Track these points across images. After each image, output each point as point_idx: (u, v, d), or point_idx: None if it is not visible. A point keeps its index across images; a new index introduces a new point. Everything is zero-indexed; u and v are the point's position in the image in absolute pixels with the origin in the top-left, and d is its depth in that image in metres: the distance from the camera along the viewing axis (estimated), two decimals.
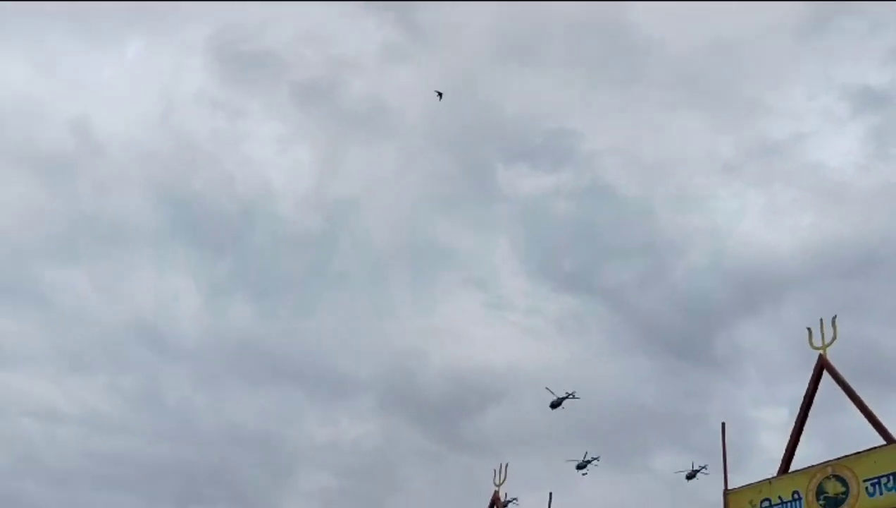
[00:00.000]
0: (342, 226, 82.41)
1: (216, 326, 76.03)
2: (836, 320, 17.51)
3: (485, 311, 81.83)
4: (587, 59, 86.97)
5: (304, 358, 76.57)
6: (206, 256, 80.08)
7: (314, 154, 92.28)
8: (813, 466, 16.72)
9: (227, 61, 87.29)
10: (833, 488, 16.12)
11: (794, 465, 17.37)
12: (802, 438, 17.64)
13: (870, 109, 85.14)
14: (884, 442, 15.88)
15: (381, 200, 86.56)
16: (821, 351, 17.49)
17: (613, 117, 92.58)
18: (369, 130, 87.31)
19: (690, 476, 53.13)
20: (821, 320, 17.67)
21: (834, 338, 17.43)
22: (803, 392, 17.66)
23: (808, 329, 17.82)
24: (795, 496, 16.65)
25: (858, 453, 16.07)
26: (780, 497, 16.89)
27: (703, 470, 52.72)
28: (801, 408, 17.45)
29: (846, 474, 16.03)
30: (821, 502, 16.22)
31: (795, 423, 17.47)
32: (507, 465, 23.36)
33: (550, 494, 21.96)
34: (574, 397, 51.25)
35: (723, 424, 18.79)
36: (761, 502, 17.15)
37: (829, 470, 16.32)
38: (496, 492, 23.08)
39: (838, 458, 16.36)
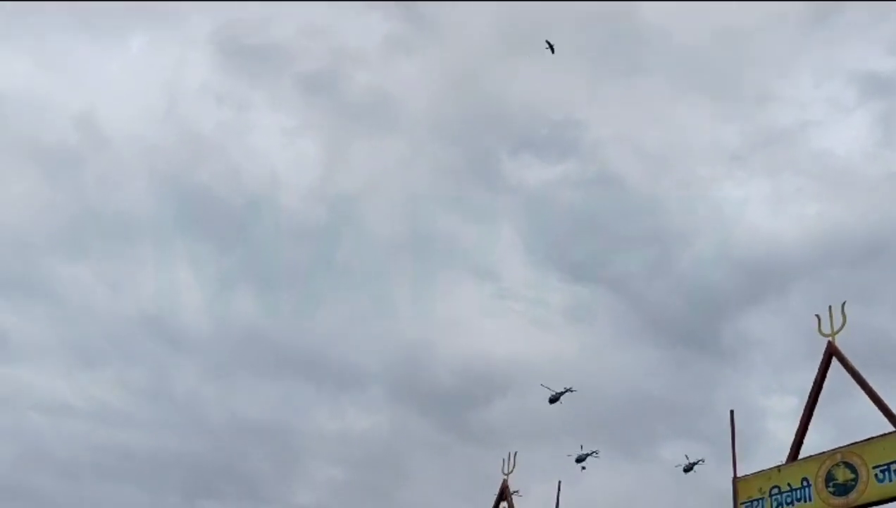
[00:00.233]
0: (348, 218, 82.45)
1: (223, 318, 76.17)
2: (845, 306, 17.46)
3: (491, 302, 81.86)
4: (592, 49, 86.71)
5: (311, 350, 76.71)
6: (212, 248, 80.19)
7: (319, 147, 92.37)
8: (822, 453, 16.70)
9: (232, 54, 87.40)
10: (842, 475, 16.10)
11: (803, 452, 17.33)
12: (811, 425, 17.62)
13: (876, 96, 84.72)
14: (893, 429, 15.83)
15: (387, 191, 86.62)
16: (830, 338, 17.44)
17: (619, 107, 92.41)
18: (374, 122, 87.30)
19: (688, 469, 53.15)
20: (829, 307, 17.62)
21: (843, 325, 17.38)
22: (811, 380, 17.63)
23: (817, 316, 17.77)
24: (805, 483, 16.63)
25: (868, 440, 16.04)
26: (789, 484, 16.87)
27: (700, 463, 52.78)
28: (810, 395, 17.41)
29: (855, 461, 16.00)
30: (830, 489, 16.20)
31: (804, 410, 17.44)
32: (515, 454, 23.38)
33: (559, 483, 22.02)
34: (571, 391, 51.36)
35: (731, 412, 18.79)
36: (770, 489, 17.13)
37: (839, 457, 16.29)
38: (505, 481, 23.08)
39: (847, 445, 16.33)
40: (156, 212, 78.09)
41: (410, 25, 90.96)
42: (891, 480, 15.42)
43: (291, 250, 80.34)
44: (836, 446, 16.62)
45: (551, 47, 51.38)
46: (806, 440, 17.51)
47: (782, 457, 17.56)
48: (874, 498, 15.61)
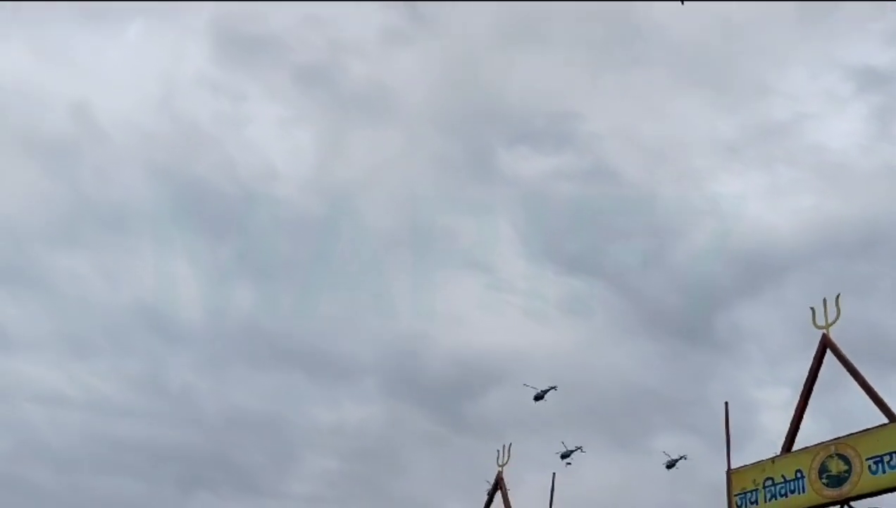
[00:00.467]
0: (344, 209, 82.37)
1: (219, 310, 76.13)
2: (840, 298, 17.50)
3: (487, 294, 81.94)
4: (589, 41, 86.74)
5: (306, 342, 76.77)
6: (208, 240, 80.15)
7: (316, 138, 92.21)
8: (816, 445, 16.73)
9: (229, 44, 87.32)
10: (836, 466, 16.15)
11: (797, 444, 17.38)
12: (805, 417, 17.67)
13: (872, 89, 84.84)
14: (887, 421, 15.88)
15: (383, 183, 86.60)
16: (824, 330, 17.47)
17: (615, 100, 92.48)
18: (371, 113, 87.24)
19: (670, 465, 53.34)
20: (824, 299, 17.65)
21: (837, 317, 17.42)
22: (805, 373, 17.67)
23: (812, 309, 17.80)
24: (798, 474, 16.68)
25: (861, 431, 16.08)
26: (783, 476, 16.92)
27: (683, 459, 52.98)
28: (805, 387, 17.45)
29: (849, 452, 16.05)
30: (824, 480, 16.25)
31: (798, 402, 17.48)
32: (510, 445, 23.41)
33: (553, 474, 22.03)
34: (555, 388, 51.60)
35: (726, 403, 18.83)
36: (764, 481, 17.19)
37: (832, 449, 16.34)
38: (500, 472, 23.10)
39: (841, 437, 16.37)
40: (152, 203, 78.01)
41: (408, 17, 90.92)
42: (884, 472, 15.48)
43: (288, 241, 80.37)
44: (830, 438, 16.68)
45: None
46: (800, 432, 17.56)
47: (776, 449, 17.62)
48: (867, 490, 15.67)
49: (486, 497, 32.85)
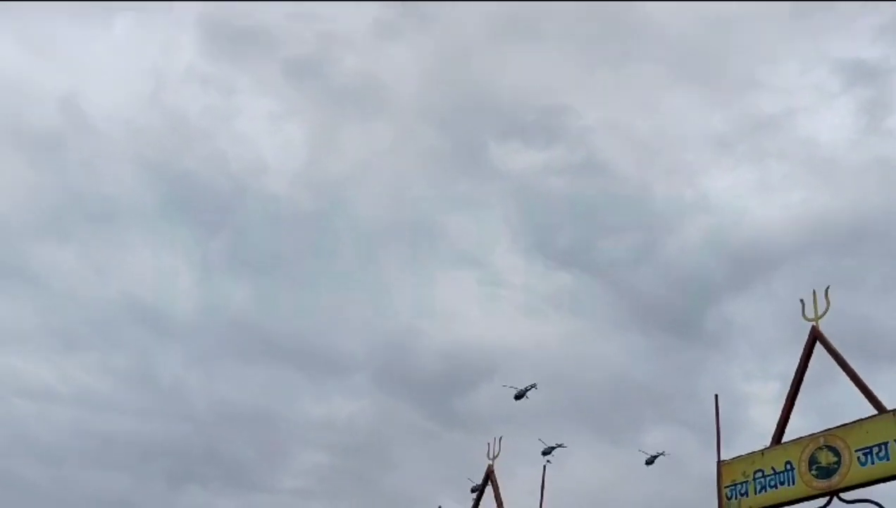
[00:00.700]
0: (335, 203, 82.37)
1: (209, 304, 76.07)
2: (829, 291, 17.54)
3: (478, 288, 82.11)
4: (581, 36, 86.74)
5: (297, 336, 76.72)
6: (198, 234, 79.97)
7: (307, 131, 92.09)
8: (805, 437, 16.76)
9: (219, 38, 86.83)
10: (825, 458, 16.19)
11: (787, 436, 17.40)
12: (794, 411, 17.70)
13: (861, 82, 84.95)
14: (876, 412, 15.93)
15: (375, 177, 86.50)
16: (813, 322, 17.51)
17: (607, 94, 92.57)
18: (362, 106, 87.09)
19: (650, 462, 53.59)
20: (813, 291, 17.68)
21: (827, 309, 17.45)
22: (794, 366, 17.70)
23: (801, 301, 17.83)
24: (788, 466, 16.71)
25: (851, 423, 16.12)
26: (772, 468, 16.95)
27: (662, 455, 53.24)
28: (794, 379, 17.48)
29: (838, 444, 16.08)
30: (813, 472, 16.29)
31: (788, 394, 17.51)
32: (500, 439, 23.38)
33: (544, 467, 22.06)
34: (535, 387, 51.86)
35: (716, 396, 18.86)
36: (754, 473, 17.21)
37: (822, 441, 16.38)
38: (490, 466, 23.09)
39: (830, 429, 16.41)
40: (141, 197, 77.80)
41: (399, 10, 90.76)
42: (873, 463, 15.52)
43: (279, 235, 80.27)
44: (819, 430, 16.72)
45: None
46: (788, 426, 17.58)
47: (765, 442, 17.65)
48: (857, 481, 15.70)
49: (477, 489, 32.96)
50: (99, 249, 77.11)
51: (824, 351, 17.33)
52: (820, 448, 16.34)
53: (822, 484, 16.09)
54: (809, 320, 17.62)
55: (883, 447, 15.45)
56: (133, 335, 74.31)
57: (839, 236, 69.96)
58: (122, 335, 73.14)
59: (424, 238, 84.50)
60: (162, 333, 74.97)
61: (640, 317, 78.05)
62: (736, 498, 17.36)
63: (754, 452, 17.50)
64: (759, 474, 17.15)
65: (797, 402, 17.67)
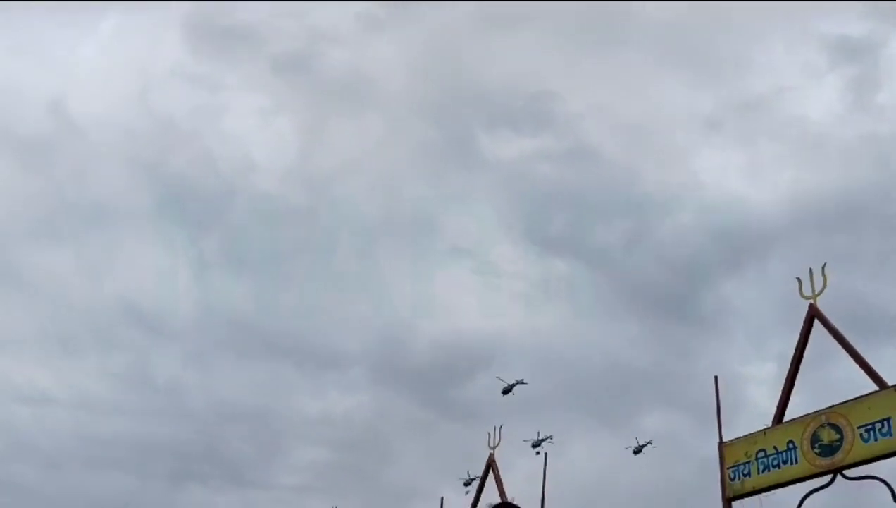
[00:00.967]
0: (327, 198, 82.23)
1: (204, 303, 75.98)
2: (826, 268, 17.45)
3: (472, 278, 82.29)
4: (566, 22, 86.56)
5: (292, 332, 76.67)
6: (191, 233, 79.96)
7: (296, 127, 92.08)
8: (807, 415, 16.70)
9: (205, 36, 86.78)
10: (827, 436, 16.12)
11: (786, 416, 17.34)
12: (792, 390, 17.61)
13: (848, 60, 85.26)
14: (877, 388, 15.87)
15: (365, 171, 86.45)
16: (811, 300, 17.41)
17: (594, 79, 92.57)
18: (351, 101, 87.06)
19: (637, 451, 53.69)
20: (810, 269, 17.58)
21: (824, 287, 17.34)
22: (790, 346, 17.63)
23: (798, 279, 17.73)
24: (790, 445, 16.64)
25: (852, 400, 16.06)
26: (775, 447, 16.88)
27: (649, 444, 53.38)
28: (794, 357, 17.38)
29: (840, 421, 16.02)
30: (816, 450, 16.22)
31: (788, 373, 17.41)
32: (500, 427, 23.32)
33: (546, 455, 21.99)
34: (523, 382, 51.94)
35: (716, 377, 18.77)
36: (756, 453, 17.14)
37: (823, 419, 16.31)
38: (491, 455, 23.03)
39: (832, 406, 16.35)
40: (133, 199, 77.68)
41: (384, 3, 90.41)
42: (875, 439, 15.47)
43: (271, 232, 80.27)
44: (819, 408, 16.67)
45: None
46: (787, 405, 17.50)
47: (764, 422, 17.59)
48: (860, 458, 15.65)
49: (470, 483, 32.98)
50: (92, 252, 77.05)
51: (820, 331, 17.27)
52: (822, 426, 16.27)
53: (826, 462, 16.03)
54: (807, 298, 17.51)
55: (885, 422, 15.39)
56: (129, 336, 74.35)
57: (831, 214, 70.18)
58: (118, 337, 73.14)
59: (417, 230, 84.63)
60: (158, 334, 75.00)
61: (635, 302, 78.20)
62: (739, 479, 17.30)
63: (756, 432, 17.43)
64: (762, 454, 17.09)
65: (795, 381, 17.59)
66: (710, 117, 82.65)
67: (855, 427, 15.76)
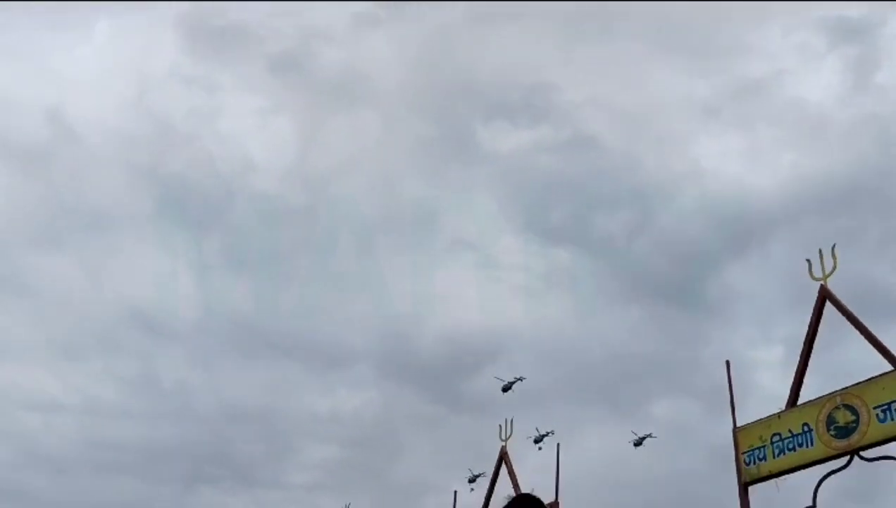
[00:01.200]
0: (327, 196, 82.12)
1: (207, 305, 75.88)
2: (836, 249, 17.32)
3: (475, 271, 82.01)
4: (560, 11, 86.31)
5: (297, 331, 76.61)
6: (192, 235, 79.83)
7: (294, 126, 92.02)
8: (822, 397, 16.58)
9: (199, 38, 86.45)
10: (843, 417, 16.00)
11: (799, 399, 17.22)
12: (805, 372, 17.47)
13: (846, 40, 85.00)
14: (891, 368, 15.74)
15: (364, 167, 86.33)
16: (822, 282, 17.28)
17: (590, 68, 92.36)
18: (347, 98, 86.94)
19: (638, 444, 53.58)
20: (819, 250, 17.45)
21: (834, 268, 17.22)
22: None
23: (808, 261, 17.59)
24: (806, 428, 16.51)
25: (867, 380, 15.93)
26: (790, 431, 16.75)
27: (649, 437, 53.27)
28: (806, 340, 17.24)
29: (855, 402, 15.90)
30: (832, 432, 16.10)
31: (801, 355, 17.26)
32: (512, 420, 23.23)
33: (558, 445, 21.87)
34: (522, 379, 51.92)
35: (727, 362, 18.65)
36: (771, 437, 17.01)
37: (838, 400, 16.19)
38: (503, 447, 22.95)
39: (846, 387, 16.21)
40: (133, 202, 77.57)
41: (378, 3, 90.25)
42: (892, 419, 15.33)
43: (272, 232, 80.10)
44: (832, 390, 16.54)
45: None
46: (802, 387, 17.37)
47: (773, 407, 17.49)
48: (876, 439, 15.51)
49: (475, 479, 32.90)
50: (94, 257, 76.94)
51: (828, 313, 17.14)
52: (837, 408, 16.14)
53: (842, 444, 15.91)
54: (817, 279, 17.38)
55: None
56: (134, 340, 74.32)
57: (833, 196, 70.00)
58: (123, 341, 73.14)
59: (417, 225, 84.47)
60: (163, 337, 74.92)
61: (639, 290, 78.10)
62: (754, 464, 17.18)
63: (770, 416, 17.29)
64: (777, 437, 16.96)
65: (808, 363, 17.44)
66: (708, 103, 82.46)
67: (871, 408, 15.64)
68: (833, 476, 16.25)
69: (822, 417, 16.31)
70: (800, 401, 17.10)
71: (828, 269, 17.30)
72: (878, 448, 15.64)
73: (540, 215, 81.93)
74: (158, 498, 61.05)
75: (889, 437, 15.43)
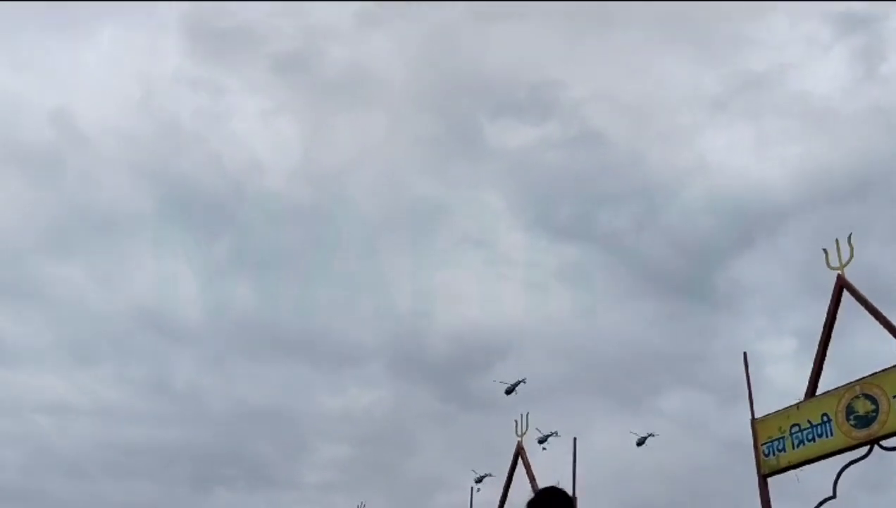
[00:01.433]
0: (334, 195, 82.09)
1: (217, 306, 75.98)
2: (852, 238, 17.23)
3: (484, 268, 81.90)
4: (563, 7, 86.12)
5: (307, 330, 76.61)
6: (200, 237, 79.78)
7: (300, 126, 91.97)
8: (840, 387, 16.49)
9: (204, 40, 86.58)
10: (863, 406, 15.91)
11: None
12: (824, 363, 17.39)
13: (852, 31, 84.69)
14: None
15: (372, 167, 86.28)
16: (839, 271, 17.21)
17: (596, 64, 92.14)
18: (353, 97, 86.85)
19: (640, 443, 53.49)
20: (836, 240, 17.37)
21: (851, 257, 17.15)
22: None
23: (825, 250, 17.52)
24: (825, 418, 16.43)
25: (886, 369, 15.83)
26: (809, 421, 16.68)
27: (652, 436, 53.13)
28: (824, 330, 17.15)
29: (875, 392, 15.82)
30: (851, 422, 16.02)
31: (819, 345, 17.17)
32: (527, 414, 23.22)
33: (575, 439, 21.81)
34: (524, 382, 51.91)
35: (745, 354, 18.61)
36: (790, 427, 16.94)
37: (858, 390, 16.10)
38: (519, 442, 22.94)
39: (865, 377, 16.13)
40: (141, 205, 77.67)
41: (381, 2, 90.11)
42: None
43: (280, 232, 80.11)
44: (848, 381, 16.47)
45: None
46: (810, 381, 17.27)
47: (784, 399, 17.46)
48: None
49: (481, 480, 32.96)
50: (103, 260, 77.16)
51: (843, 302, 17.07)
52: (856, 398, 16.06)
53: (862, 434, 15.83)
54: (834, 268, 17.31)
55: None
56: (145, 343, 74.44)
57: (841, 187, 69.70)
58: (133, 344, 73.26)
59: (426, 223, 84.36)
60: (173, 339, 75.00)
61: (648, 284, 77.98)
62: (774, 455, 17.11)
63: (789, 407, 17.22)
64: (796, 428, 16.89)
65: (826, 354, 17.37)
66: (714, 96, 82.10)
67: (890, 397, 15.55)
68: (853, 465, 16.20)
69: (842, 407, 16.23)
70: (816, 392, 17.03)
71: (844, 258, 17.23)
72: None
73: (547, 211, 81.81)
74: (172, 500, 61.16)
75: None
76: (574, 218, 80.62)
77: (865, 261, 17.42)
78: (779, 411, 17.37)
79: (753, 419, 17.75)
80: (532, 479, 22.17)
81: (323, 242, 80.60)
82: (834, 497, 16.19)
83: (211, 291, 76.09)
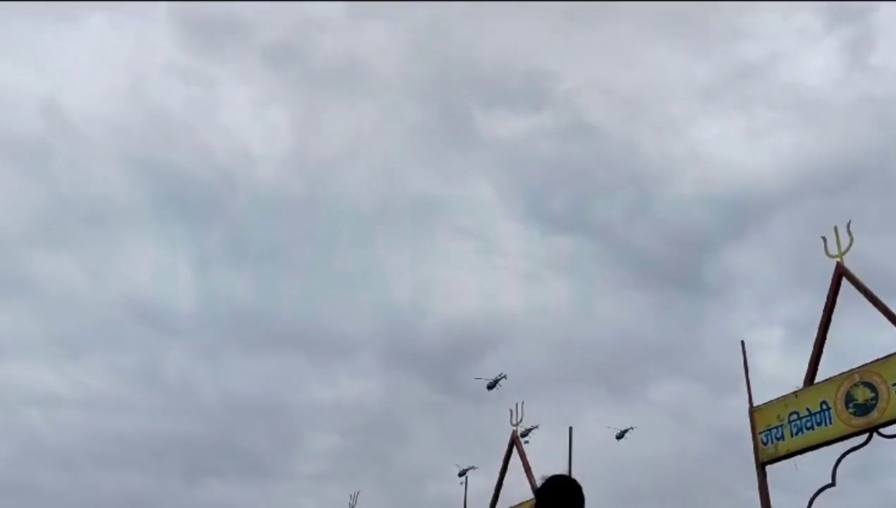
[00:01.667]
0: (326, 186, 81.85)
1: (209, 297, 75.77)
2: (851, 225, 17.15)
3: (476, 258, 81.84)
4: None
5: (299, 321, 76.40)
6: (192, 228, 79.50)
7: (291, 117, 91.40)
8: (839, 375, 16.42)
9: (194, 30, 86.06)
10: (862, 394, 15.84)
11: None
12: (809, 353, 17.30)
13: (844, 21, 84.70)
14: None
15: (363, 156, 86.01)
16: (837, 259, 17.13)
17: (588, 54, 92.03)
18: (344, 88, 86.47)
19: (620, 436, 53.61)
20: (835, 227, 17.28)
21: (850, 245, 17.08)
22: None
23: (823, 238, 17.43)
24: (824, 406, 16.36)
25: (886, 357, 15.77)
26: (808, 409, 16.61)
27: (631, 430, 53.24)
28: (823, 316, 17.05)
29: (874, 379, 15.75)
30: (850, 410, 15.95)
31: (818, 332, 17.06)
32: (522, 404, 23.19)
33: (570, 429, 21.74)
34: (505, 377, 51.94)
35: (742, 342, 18.58)
36: (789, 416, 16.86)
37: (857, 377, 16.03)
38: (514, 432, 22.88)
39: (865, 364, 16.06)
40: (131, 195, 77.24)
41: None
42: None
43: (271, 223, 79.83)
44: (842, 370, 16.41)
45: None
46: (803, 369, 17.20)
47: (774, 390, 17.41)
48: None
49: (465, 473, 32.94)
50: (94, 251, 76.75)
51: (842, 290, 17.00)
52: (856, 385, 15.98)
53: (861, 421, 15.77)
54: (833, 256, 17.22)
55: None
56: (136, 334, 74.12)
57: (832, 177, 69.79)
58: (125, 335, 72.88)
59: (418, 214, 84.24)
60: (165, 330, 74.72)
61: (640, 274, 78.02)
62: (772, 443, 17.04)
63: (787, 395, 17.13)
64: (794, 416, 16.81)
65: (812, 343, 17.28)
66: (706, 87, 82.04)
67: (890, 385, 15.49)
68: (852, 453, 16.14)
69: (841, 395, 16.16)
70: (814, 380, 16.96)
71: (843, 246, 17.15)
72: None
73: (540, 201, 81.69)
74: (164, 491, 61.01)
75: None
76: (567, 209, 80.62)
77: (859, 250, 17.31)
78: (777, 399, 17.29)
79: (751, 408, 17.67)
80: (528, 469, 22.10)
81: (314, 232, 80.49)
82: (833, 484, 16.14)
83: (202, 282, 75.93)
